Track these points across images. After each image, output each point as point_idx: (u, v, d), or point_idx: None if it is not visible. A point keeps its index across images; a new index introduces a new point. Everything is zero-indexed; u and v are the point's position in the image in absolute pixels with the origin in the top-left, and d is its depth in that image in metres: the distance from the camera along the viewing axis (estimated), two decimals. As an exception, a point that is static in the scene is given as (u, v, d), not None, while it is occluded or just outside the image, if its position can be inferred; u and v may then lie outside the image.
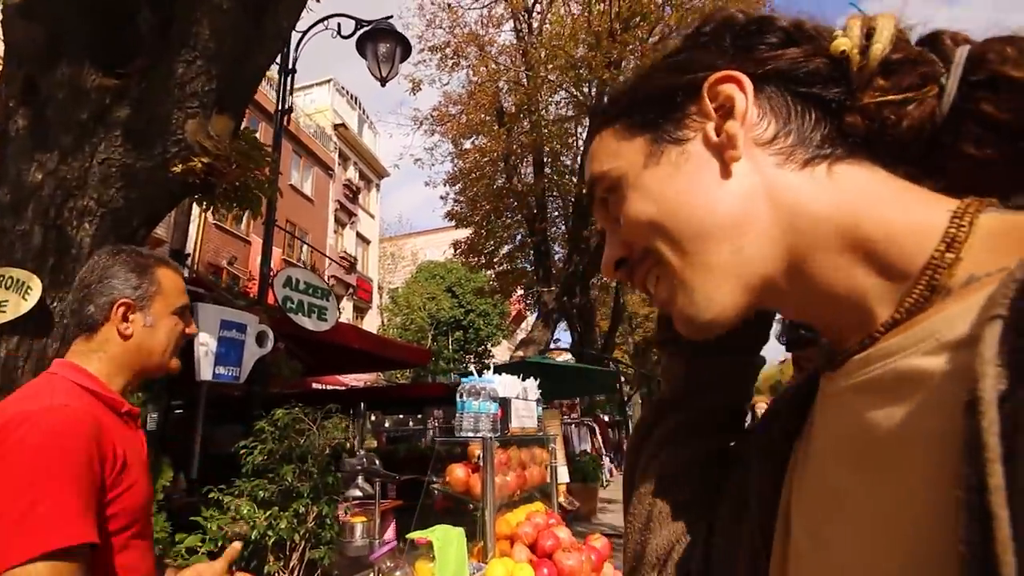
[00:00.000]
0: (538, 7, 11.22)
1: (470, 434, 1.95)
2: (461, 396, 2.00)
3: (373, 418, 13.21)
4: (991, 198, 0.33)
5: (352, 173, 22.71)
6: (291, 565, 3.03)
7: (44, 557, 0.69)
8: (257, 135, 3.45)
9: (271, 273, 4.60)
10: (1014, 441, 0.21)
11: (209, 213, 12.13)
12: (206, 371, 3.16)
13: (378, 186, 25.70)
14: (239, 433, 3.67)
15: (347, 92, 23.68)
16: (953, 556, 0.23)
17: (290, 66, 4.68)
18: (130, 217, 2.27)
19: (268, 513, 3.01)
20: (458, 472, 1.99)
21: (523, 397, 2.25)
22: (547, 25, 11.36)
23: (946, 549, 0.24)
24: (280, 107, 4.64)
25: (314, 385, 12.12)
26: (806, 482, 0.38)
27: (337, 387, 12.94)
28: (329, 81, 22.25)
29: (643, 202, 0.40)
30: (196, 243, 13.03)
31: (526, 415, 2.25)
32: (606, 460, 13.79)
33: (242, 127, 3.38)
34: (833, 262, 0.35)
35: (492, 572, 1.70)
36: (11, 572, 0.68)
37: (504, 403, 2.04)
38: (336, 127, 21.33)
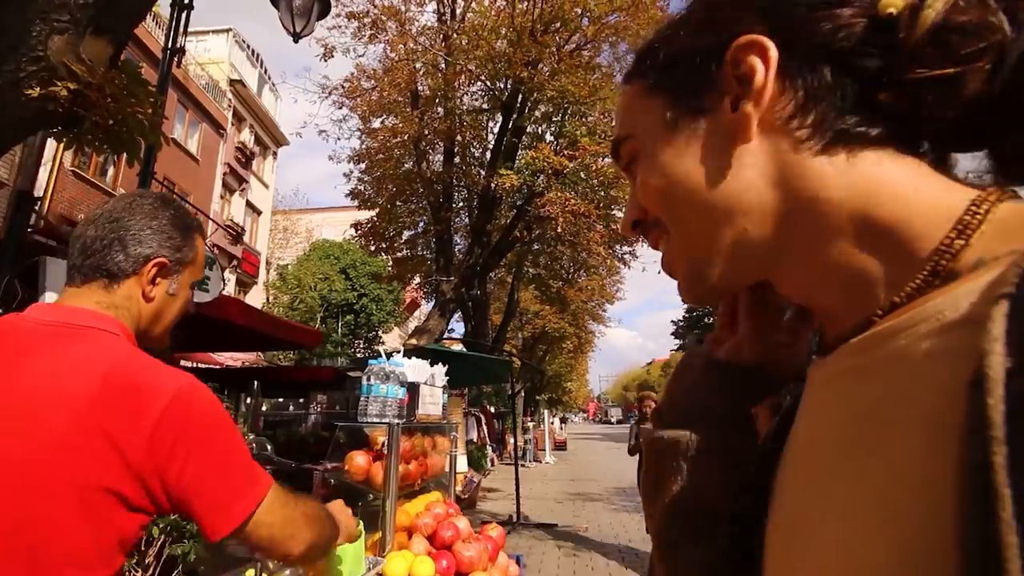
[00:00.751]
0: (463, -8, 11.05)
1: (375, 419, 1.82)
2: (368, 379, 1.86)
3: (248, 400, 12.32)
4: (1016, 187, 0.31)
5: (247, 136, 20.94)
6: (147, 562, 2.66)
7: (265, 497, 0.81)
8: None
9: (144, 232, 4.04)
10: (1021, 420, 0.21)
11: (67, 156, 10.51)
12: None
13: (275, 154, 23.96)
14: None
15: (248, 46, 21.76)
16: (951, 538, 0.22)
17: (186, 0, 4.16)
18: (-36, 141, 1.87)
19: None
20: (358, 460, 1.85)
21: (431, 383, 2.15)
22: (470, 13, 11.24)
23: (944, 532, 0.23)
24: (170, 45, 4.10)
25: (183, 363, 11.02)
26: (790, 474, 0.37)
27: (211, 365, 11.87)
28: (228, 31, 20.28)
29: (654, 174, 0.39)
30: (48, 191, 11.28)
31: (432, 402, 2.16)
32: (489, 450, 14.05)
33: (122, 59, 2.93)
34: (841, 248, 0.33)
35: (392, 566, 1.60)
36: (261, 506, 0.79)
37: (412, 388, 1.94)
38: (232, 83, 19.50)
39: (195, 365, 11.19)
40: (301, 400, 12.51)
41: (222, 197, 19.21)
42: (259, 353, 15.90)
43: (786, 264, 0.36)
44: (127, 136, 2.71)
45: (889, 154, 0.33)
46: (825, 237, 0.33)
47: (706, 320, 38.32)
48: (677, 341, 40.53)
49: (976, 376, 0.22)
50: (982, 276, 0.27)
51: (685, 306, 39.56)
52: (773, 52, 0.33)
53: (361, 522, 1.29)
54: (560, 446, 22.13)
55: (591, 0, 9.50)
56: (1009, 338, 0.22)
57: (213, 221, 16.15)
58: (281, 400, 13.55)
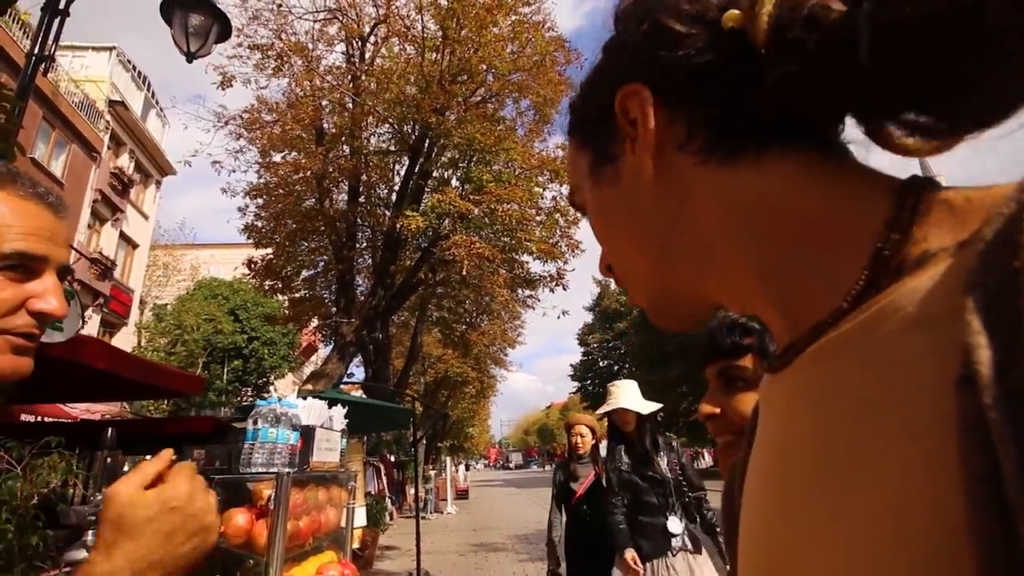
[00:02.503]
0: (373, 39, 11.11)
1: (261, 469, 1.59)
2: (255, 423, 1.63)
3: (109, 460, 10.72)
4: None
5: (126, 162, 19.15)
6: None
7: None
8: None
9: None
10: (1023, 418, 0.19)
11: None
12: None
13: (159, 183, 22.09)
14: None
15: (134, 67, 20.23)
16: (967, 559, 0.20)
17: (60, 5, 3.75)
18: None
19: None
20: (238, 519, 1.59)
21: (328, 426, 1.95)
22: (380, 59, 11.30)
23: (958, 553, 0.21)
24: (36, 51, 3.65)
25: (23, 416, 9.44)
26: (759, 500, 0.34)
27: (61, 419, 10.25)
28: (112, 49, 18.78)
29: (595, 220, 0.43)
30: None
31: (329, 448, 1.95)
32: (388, 502, 13.29)
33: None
34: (773, 254, 0.33)
35: (273, 644, 1.37)
36: None
37: (307, 432, 1.73)
38: (112, 104, 17.91)
39: (39, 419, 9.60)
40: (175, 457, 11.11)
41: (90, 227, 17.27)
42: (124, 404, 14.07)
43: (726, 280, 0.36)
44: (-32, 145, 2.34)
45: (796, 152, 0.33)
46: (755, 246, 0.33)
47: (600, 364, 39.80)
48: (575, 384, 41.66)
49: (964, 373, 0.21)
50: (933, 268, 0.26)
51: (582, 350, 41.00)
52: (646, 93, 0.36)
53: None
54: (462, 494, 21.52)
55: (496, 58, 9.95)
56: (992, 328, 0.21)
57: (76, 251, 14.38)
58: (148, 458, 11.96)
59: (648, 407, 2.88)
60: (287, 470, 1.62)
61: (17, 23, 12.51)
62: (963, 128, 0.29)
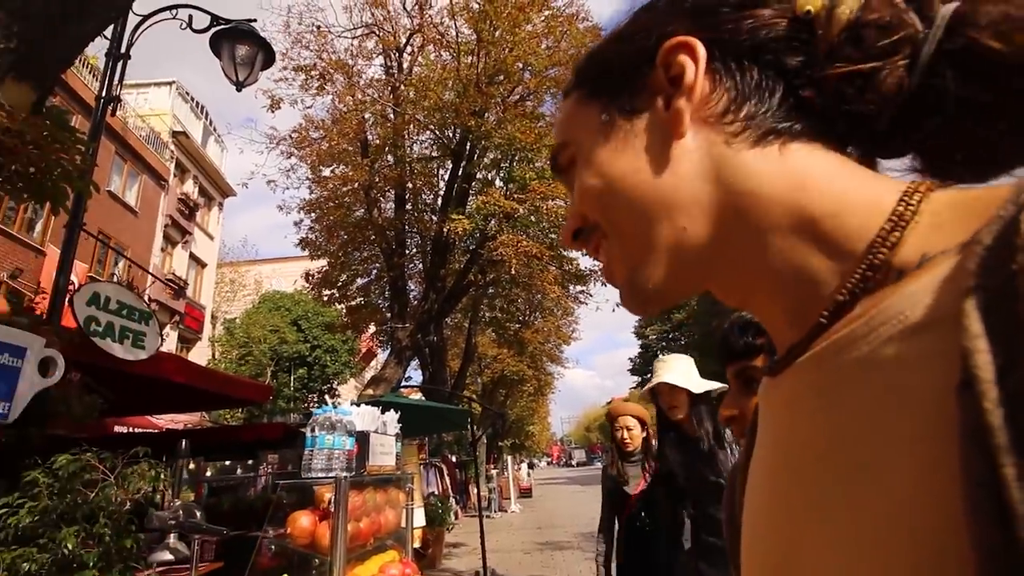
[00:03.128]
0: (409, 48, 11.35)
1: (321, 474, 1.68)
2: (312, 430, 1.73)
3: (192, 466, 11.45)
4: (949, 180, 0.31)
5: (191, 187, 20.38)
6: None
7: None
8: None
9: (71, 288, 3.78)
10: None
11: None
12: (-42, 405, 2.43)
13: (221, 205, 23.36)
14: (1, 488, 2.83)
15: (192, 99, 21.49)
16: (968, 564, 0.20)
17: (122, 49, 4.05)
18: None
19: (31, 592, 2.31)
20: (302, 521, 1.70)
21: (382, 431, 2.03)
22: (417, 67, 11.52)
23: (959, 557, 0.21)
24: (103, 93, 3.96)
25: (116, 428, 10.22)
26: (761, 504, 0.34)
27: (148, 430, 11.06)
28: (172, 83, 20.02)
29: (592, 177, 0.39)
30: (-35, 250, 10.56)
31: (384, 452, 2.03)
32: (452, 502, 13.51)
33: (49, 105, 2.80)
34: (777, 243, 0.33)
35: (339, 639, 1.45)
36: None
37: (361, 438, 1.81)
38: (175, 135, 19.10)
39: (130, 430, 10.39)
40: (250, 462, 11.74)
41: (163, 250, 18.47)
42: (203, 413, 14.99)
43: (725, 264, 0.35)
44: (52, 185, 2.56)
45: (818, 148, 0.33)
46: (762, 231, 0.33)
47: (659, 357, 38.67)
48: (634, 378, 40.89)
49: (965, 377, 0.21)
50: (933, 271, 0.26)
51: (639, 343, 40.28)
52: (701, 51, 0.34)
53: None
54: (525, 493, 21.59)
55: (531, 55, 9.92)
56: (991, 332, 0.20)
57: (151, 275, 15.43)
58: (228, 463, 12.68)
59: (702, 385, 2.15)
60: (344, 474, 1.70)
61: (87, 67, 13.54)
62: (983, 167, 0.31)
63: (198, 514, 1.52)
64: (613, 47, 0.40)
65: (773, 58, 0.33)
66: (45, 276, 11.51)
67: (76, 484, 2.66)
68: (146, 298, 13.30)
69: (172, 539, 2.07)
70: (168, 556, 2.14)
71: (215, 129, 23.41)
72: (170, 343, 17.30)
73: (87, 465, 2.73)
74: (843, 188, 0.32)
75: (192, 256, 20.33)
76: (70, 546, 2.43)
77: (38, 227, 12.59)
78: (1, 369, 2.68)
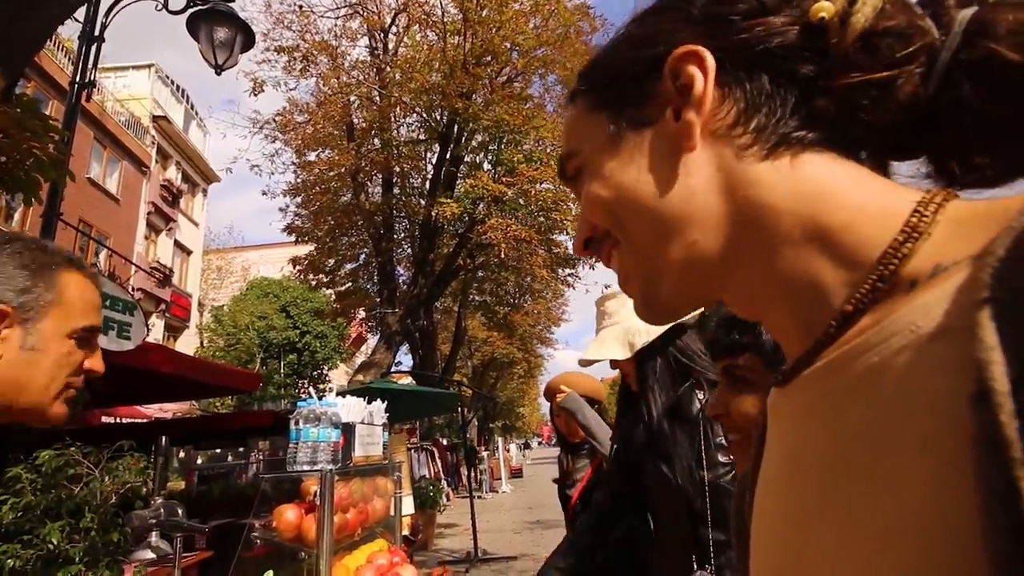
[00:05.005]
0: (395, 28, 11.13)
1: (306, 467, 1.68)
2: (297, 423, 1.72)
3: (182, 455, 11.44)
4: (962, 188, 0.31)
5: (173, 173, 20.02)
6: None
7: None
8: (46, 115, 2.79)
9: (50, 278, 3.69)
10: None
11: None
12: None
13: (205, 191, 23.00)
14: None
15: (172, 82, 21.01)
16: (977, 571, 0.20)
17: (96, 32, 3.92)
18: None
19: (18, 587, 2.29)
20: (288, 515, 1.69)
21: (368, 422, 2.03)
22: (403, 48, 11.32)
23: (971, 564, 0.21)
24: (78, 79, 3.85)
25: (104, 418, 10.14)
26: (770, 512, 0.34)
27: (136, 419, 10.99)
28: (150, 66, 19.54)
29: (601, 188, 0.38)
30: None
31: (371, 442, 2.03)
32: (444, 484, 13.65)
33: (18, 92, 2.71)
34: (790, 254, 0.32)
35: (327, 631, 1.46)
36: None
37: (347, 429, 1.81)
38: (156, 119, 18.69)
39: (118, 420, 10.32)
40: (240, 449, 11.75)
41: (147, 238, 18.20)
42: (193, 402, 14.92)
43: (737, 275, 0.35)
44: (24, 175, 2.49)
45: (831, 158, 0.33)
46: (774, 243, 0.33)
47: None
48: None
49: (979, 389, 0.21)
50: (946, 282, 0.25)
51: (631, 325, 40.43)
52: (710, 61, 0.33)
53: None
54: (516, 473, 21.85)
55: (519, 35, 9.78)
56: (1005, 344, 0.20)
57: (134, 265, 15.21)
58: (219, 451, 12.69)
59: (648, 333, 1.41)
60: (330, 467, 1.70)
61: (62, 51, 13.15)
62: (1001, 176, 0.30)
63: (180, 511, 1.51)
64: (619, 54, 0.39)
65: (785, 67, 0.33)
66: (25, 265, 11.29)
67: (60, 479, 2.64)
68: (130, 287, 13.12)
69: (154, 537, 2.06)
70: (150, 555, 2.13)
71: (197, 113, 22.95)
72: (156, 332, 17.14)
73: (71, 460, 2.71)
74: (857, 198, 0.31)
75: (177, 243, 20.05)
76: (55, 541, 2.41)
77: (16, 217, 12.33)
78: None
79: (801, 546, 0.30)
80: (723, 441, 1.25)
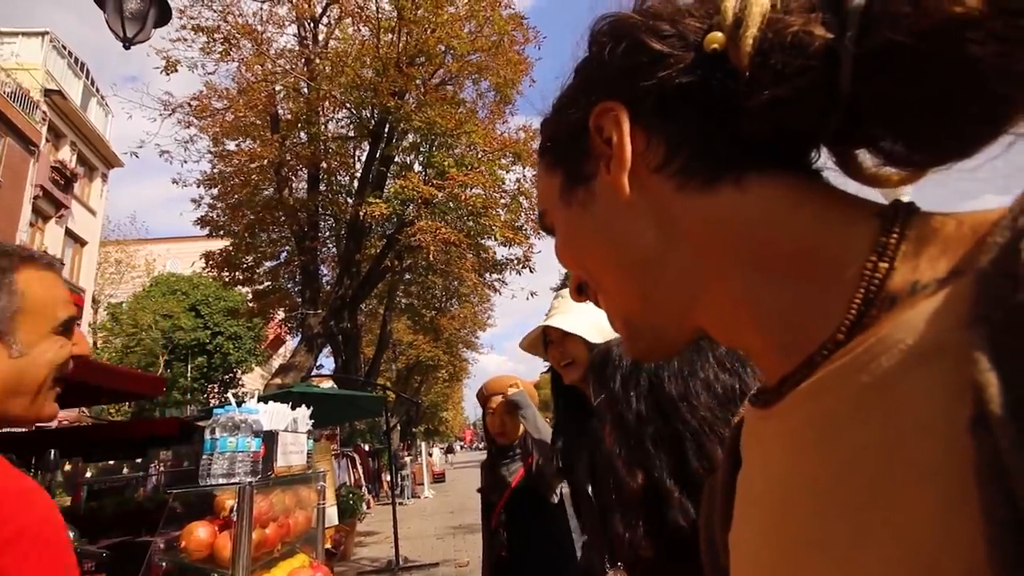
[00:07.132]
0: (326, 19, 10.72)
1: (222, 480, 1.54)
2: (212, 433, 1.57)
3: (68, 467, 10.32)
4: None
5: (67, 154, 18.16)
6: None
7: None
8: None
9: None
10: None
11: None
12: None
13: (105, 176, 21.05)
14: None
15: (69, 53, 19.07)
16: None
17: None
18: None
19: None
20: (199, 533, 1.54)
21: (292, 429, 1.90)
22: (333, 41, 10.93)
23: None
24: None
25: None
26: (749, 542, 0.34)
27: (13, 429, 9.80)
28: (45, 34, 17.63)
29: (563, 244, 0.41)
30: None
31: (294, 451, 1.90)
32: (365, 491, 13.26)
33: None
34: (752, 281, 0.32)
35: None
36: None
37: (269, 438, 1.68)
38: (48, 93, 16.89)
39: (-9, 428, 9.15)
40: (138, 460, 10.77)
41: (32, 225, 16.40)
42: (82, 409, 13.56)
43: (704, 306, 0.35)
44: None
45: (777, 176, 0.32)
46: (730, 271, 0.33)
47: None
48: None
49: (978, 413, 0.20)
50: (928, 300, 0.25)
51: (556, 330, 41.23)
52: (623, 114, 0.35)
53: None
54: (439, 478, 21.62)
55: (453, 39, 9.74)
56: (1001, 367, 0.20)
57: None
58: (112, 463, 11.55)
59: (608, 335, 1.31)
60: (249, 479, 1.58)
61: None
62: (935, 157, 0.29)
63: (71, 534, 1.34)
64: (556, 117, 0.41)
65: (701, 99, 0.33)
66: None
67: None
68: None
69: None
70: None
71: (98, 90, 20.98)
72: (42, 329, 15.42)
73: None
74: (812, 218, 0.31)
75: (69, 232, 18.20)
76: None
77: None
78: None
79: (800, 574, 0.29)
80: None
